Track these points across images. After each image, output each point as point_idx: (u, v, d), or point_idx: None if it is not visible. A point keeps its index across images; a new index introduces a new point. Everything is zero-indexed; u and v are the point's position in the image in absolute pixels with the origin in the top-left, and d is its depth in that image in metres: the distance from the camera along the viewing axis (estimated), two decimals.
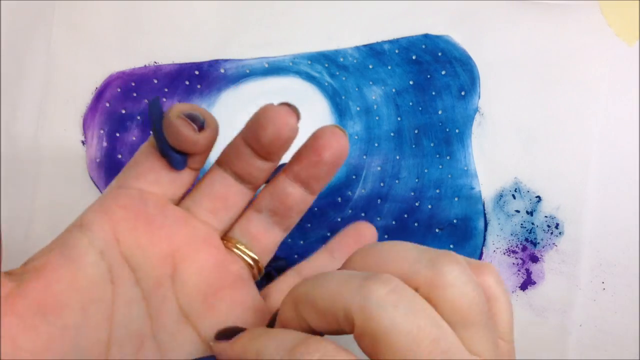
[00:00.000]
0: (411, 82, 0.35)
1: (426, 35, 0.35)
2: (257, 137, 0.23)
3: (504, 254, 0.34)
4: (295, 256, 0.33)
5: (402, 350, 0.17)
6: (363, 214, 0.34)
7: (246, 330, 0.21)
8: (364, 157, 0.34)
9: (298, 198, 0.24)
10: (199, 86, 0.34)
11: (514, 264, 0.34)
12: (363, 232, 0.26)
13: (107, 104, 0.34)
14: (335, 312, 0.18)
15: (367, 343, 0.17)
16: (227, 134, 0.34)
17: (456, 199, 0.34)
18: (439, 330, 0.18)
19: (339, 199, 0.34)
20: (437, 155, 0.34)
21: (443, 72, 0.35)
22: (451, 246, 0.34)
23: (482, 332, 0.19)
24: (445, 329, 0.18)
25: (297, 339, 0.18)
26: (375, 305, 0.17)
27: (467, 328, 0.19)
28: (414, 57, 0.35)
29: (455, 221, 0.34)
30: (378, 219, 0.34)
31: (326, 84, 0.34)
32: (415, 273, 0.19)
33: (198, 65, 0.34)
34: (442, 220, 0.34)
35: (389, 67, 0.35)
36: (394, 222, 0.34)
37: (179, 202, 0.24)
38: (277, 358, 0.18)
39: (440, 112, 0.35)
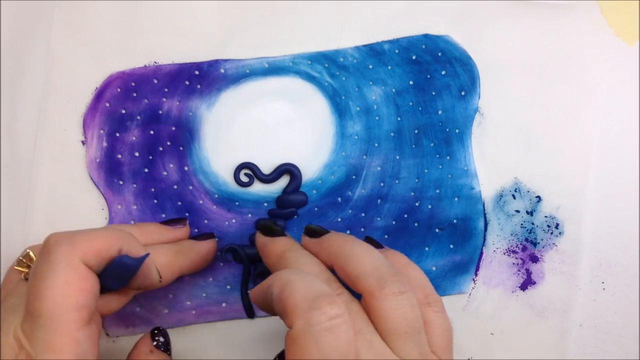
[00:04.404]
0: (411, 82, 0.35)
1: (426, 35, 0.35)
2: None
3: (504, 254, 0.34)
4: None
5: None
6: (363, 214, 0.34)
7: (287, 250, 0.29)
8: (364, 157, 0.34)
9: None
10: (199, 86, 0.34)
11: (514, 264, 0.34)
12: None
13: (107, 104, 0.34)
14: (286, 312, 0.23)
15: (290, 347, 0.23)
16: (227, 134, 0.34)
17: (456, 199, 0.34)
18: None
19: (339, 199, 0.34)
20: (437, 155, 0.34)
21: (443, 72, 0.35)
22: (451, 246, 0.34)
23: (408, 341, 0.24)
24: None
25: (322, 291, 0.23)
26: (310, 333, 0.22)
27: (394, 336, 0.24)
28: (414, 57, 0.35)
29: (455, 221, 0.34)
30: (378, 219, 0.34)
31: (326, 84, 0.34)
32: (364, 280, 0.25)
33: (198, 65, 0.34)
34: (442, 220, 0.34)
35: (389, 67, 0.35)
36: (394, 222, 0.34)
37: None
38: (299, 299, 0.23)
39: (440, 112, 0.35)
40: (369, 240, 0.31)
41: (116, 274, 0.24)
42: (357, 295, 0.26)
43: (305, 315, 0.22)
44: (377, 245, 0.30)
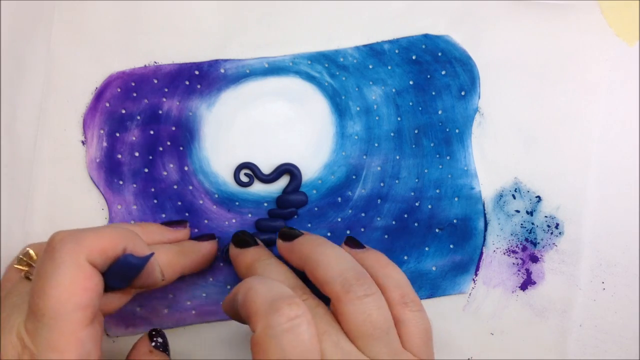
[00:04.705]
0: (411, 82, 0.35)
1: (426, 35, 0.35)
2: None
3: (504, 254, 0.34)
4: None
5: None
6: (363, 214, 0.34)
7: (256, 260, 0.29)
8: (364, 157, 0.34)
9: None
10: (199, 86, 0.34)
11: (514, 264, 0.34)
12: None
13: (107, 104, 0.34)
14: (249, 317, 0.23)
15: (254, 351, 0.23)
16: (227, 134, 0.34)
17: (456, 199, 0.34)
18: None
19: (339, 199, 0.34)
20: (437, 155, 0.34)
21: (443, 72, 0.35)
22: (451, 246, 0.34)
23: (376, 343, 0.25)
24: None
25: (282, 294, 0.23)
26: (271, 335, 0.22)
27: (360, 339, 0.25)
28: (414, 57, 0.35)
29: (455, 221, 0.34)
30: (378, 219, 0.34)
31: (326, 84, 0.34)
32: (332, 285, 0.26)
33: (198, 65, 0.34)
34: (442, 220, 0.34)
35: (389, 67, 0.35)
36: (394, 222, 0.34)
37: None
38: (260, 304, 0.23)
39: (440, 112, 0.35)
40: (350, 239, 0.31)
41: (121, 273, 0.24)
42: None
43: (266, 318, 0.23)
44: (359, 245, 0.30)
